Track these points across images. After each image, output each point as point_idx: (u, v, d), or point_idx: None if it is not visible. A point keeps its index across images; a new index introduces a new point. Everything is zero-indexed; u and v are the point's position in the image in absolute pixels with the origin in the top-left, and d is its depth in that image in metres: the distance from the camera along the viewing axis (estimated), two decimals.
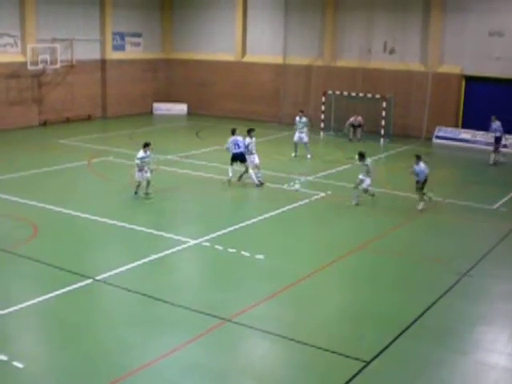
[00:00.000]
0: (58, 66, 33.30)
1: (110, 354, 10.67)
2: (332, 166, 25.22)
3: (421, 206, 19.42)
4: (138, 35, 38.63)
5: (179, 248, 15.62)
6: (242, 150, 21.40)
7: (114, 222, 17.38)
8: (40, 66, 32.48)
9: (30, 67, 31.97)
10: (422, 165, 19.38)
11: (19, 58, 32.26)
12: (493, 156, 26.55)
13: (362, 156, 19.87)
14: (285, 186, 21.71)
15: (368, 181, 19.68)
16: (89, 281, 13.40)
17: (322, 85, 34.42)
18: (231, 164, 21.54)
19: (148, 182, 19.71)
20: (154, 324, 11.72)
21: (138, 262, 14.50)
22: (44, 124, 33.46)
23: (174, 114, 38.76)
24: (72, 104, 35.08)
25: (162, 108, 39.35)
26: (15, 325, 11.75)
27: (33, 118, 33.26)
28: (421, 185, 19.48)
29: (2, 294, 12.98)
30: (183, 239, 16.16)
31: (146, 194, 19.72)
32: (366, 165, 19.68)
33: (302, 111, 27.34)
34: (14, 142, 28.93)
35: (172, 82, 40.34)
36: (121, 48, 37.62)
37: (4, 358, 10.25)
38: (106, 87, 36.75)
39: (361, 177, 19.76)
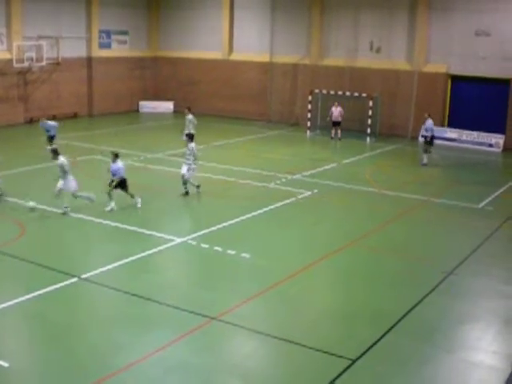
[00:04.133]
0: (44, 63, 33.14)
1: (95, 353, 10.63)
2: (318, 164, 25.24)
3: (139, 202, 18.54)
4: (125, 33, 38.51)
5: (165, 246, 15.57)
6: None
7: (100, 220, 17.33)
8: (26, 64, 32.34)
9: (15, 64, 31.81)
10: (119, 163, 18.11)
11: (5, 56, 32.09)
12: (425, 156, 25.88)
13: (54, 152, 17.45)
14: (271, 185, 21.73)
15: (61, 183, 17.56)
16: (74, 279, 13.35)
17: (308, 83, 34.47)
18: None
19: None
20: (141, 323, 11.68)
21: (124, 261, 14.44)
22: (30, 121, 33.27)
23: (160, 112, 38.68)
24: (58, 102, 34.93)
25: (148, 106, 39.24)
26: (0, 324, 11.68)
27: (18, 116, 33.07)
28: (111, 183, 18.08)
29: None
30: (169, 238, 16.12)
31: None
32: (61, 165, 17.42)
33: (188, 108, 26.72)
34: None
35: (158, 80, 40.25)
36: (107, 46, 37.49)
37: None
38: (92, 85, 36.62)
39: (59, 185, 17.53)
